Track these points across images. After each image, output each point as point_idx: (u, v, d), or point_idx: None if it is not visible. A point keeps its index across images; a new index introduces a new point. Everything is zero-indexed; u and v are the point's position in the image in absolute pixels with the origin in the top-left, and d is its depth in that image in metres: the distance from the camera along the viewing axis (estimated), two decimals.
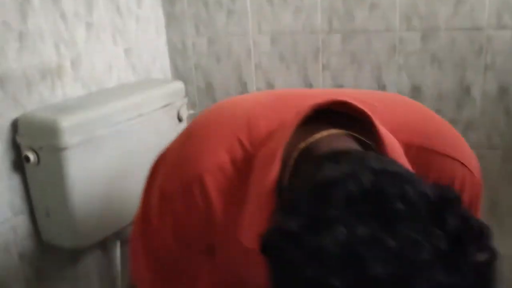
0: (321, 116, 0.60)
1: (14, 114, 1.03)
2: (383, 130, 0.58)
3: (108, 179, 1.11)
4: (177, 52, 1.56)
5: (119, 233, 1.29)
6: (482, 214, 0.69)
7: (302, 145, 0.58)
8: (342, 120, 0.60)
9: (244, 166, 0.61)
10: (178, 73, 1.57)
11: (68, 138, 0.99)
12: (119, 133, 1.12)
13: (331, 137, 0.58)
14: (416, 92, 1.31)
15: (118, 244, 1.35)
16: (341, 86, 1.39)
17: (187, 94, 1.45)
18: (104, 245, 1.34)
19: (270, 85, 1.48)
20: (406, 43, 1.28)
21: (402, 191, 0.41)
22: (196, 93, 1.58)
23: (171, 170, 0.67)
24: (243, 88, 1.51)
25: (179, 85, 1.37)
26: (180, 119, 1.36)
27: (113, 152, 1.11)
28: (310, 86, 1.43)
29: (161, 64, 1.53)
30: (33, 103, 1.08)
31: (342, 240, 0.39)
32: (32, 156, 1.01)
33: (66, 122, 0.99)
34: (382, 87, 1.34)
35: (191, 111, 1.42)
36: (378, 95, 0.82)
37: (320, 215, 0.42)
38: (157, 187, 0.67)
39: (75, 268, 1.25)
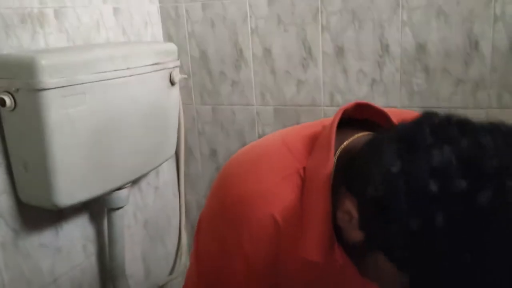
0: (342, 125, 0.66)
1: None
2: None
3: (92, 133, 1.03)
4: (170, 19, 1.50)
5: (106, 199, 1.20)
6: None
7: (344, 144, 0.63)
8: (360, 125, 0.68)
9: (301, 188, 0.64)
10: (171, 41, 1.50)
11: (48, 78, 0.91)
12: (105, 85, 1.04)
13: (365, 136, 0.63)
14: (421, 50, 1.24)
15: (105, 211, 1.26)
16: (341, 47, 1.32)
17: (180, 59, 1.38)
18: (90, 213, 1.26)
19: (267, 50, 1.41)
20: None
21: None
22: (190, 62, 1.51)
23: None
24: (239, 55, 1.44)
25: (171, 47, 1.30)
26: (172, 83, 1.29)
27: (98, 103, 1.03)
28: (309, 49, 1.36)
29: (153, 32, 1.46)
30: (11, 47, 1.00)
31: (452, 152, 0.46)
32: (8, 99, 0.93)
33: (45, 61, 0.91)
34: (385, 47, 1.27)
35: (184, 76, 1.35)
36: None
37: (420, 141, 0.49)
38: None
39: (57, 236, 1.15)
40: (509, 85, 1.19)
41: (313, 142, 0.67)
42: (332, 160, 0.62)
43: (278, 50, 1.39)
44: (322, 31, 1.32)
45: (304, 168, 0.64)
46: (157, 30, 1.49)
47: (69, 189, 1.01)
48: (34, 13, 1.05)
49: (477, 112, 1.21)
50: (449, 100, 1.24)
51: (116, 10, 1.30)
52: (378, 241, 0.52)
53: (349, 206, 0.55)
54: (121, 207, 1.23)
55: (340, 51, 1.32)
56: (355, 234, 0.55)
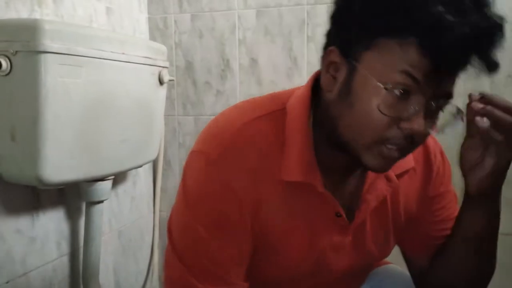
0: None
1: None
2: None
3: (84, 109, 1.01)
4: (157, 29, 1.53)
5: (86, 191, 1.15)
6: None
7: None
8: None
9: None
10: None
11: (49, 41, 0.90)
12: (101, 63, 1.04)
13: None
14: None
15: (84, 206, 1.20)
16: None
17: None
18: (68, 207, 1.19)
19: (254, 61, 1.45)
20: None
21: None
22: (175, 73, 1.53)
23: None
24: (225, 65, 1.48)
25: (162, 47, 1.32)
26: (161, 82, 1.30)
27: (93, 80, 1.02)
28: (295, 60, 1.41)
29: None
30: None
31: None
32: (4, 62, 0.90)
33: (48, 25, 0.91)
34: None
35: (172, 78, 1.36)
36: None
37: None
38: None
39: (33, 226, 1.08)
40: None
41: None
42: (308, 93, 0.70)
43: (264, 61, 1.44)
44: (308, 42, 1.39)
45: (285, 108, 0.71)
46: (144, 38, 1.52)
47: (56, 163, 0.97)
48: None
49: None
50: None
51: (108, 10, 1.32)
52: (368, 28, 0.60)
53: (330, 58, 0.65)
54: (101, 201, 1.18)
55: None
56: (343, 68, 0.64)
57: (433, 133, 0.64)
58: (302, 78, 1.41)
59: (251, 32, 1.44)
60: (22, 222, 1.05)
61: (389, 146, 0.62)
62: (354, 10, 0.61)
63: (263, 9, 1.42)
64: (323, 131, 0.69)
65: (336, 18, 0.65)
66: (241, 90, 1.47)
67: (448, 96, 0.62)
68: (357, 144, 0.64)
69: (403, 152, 0.65)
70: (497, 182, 0.69)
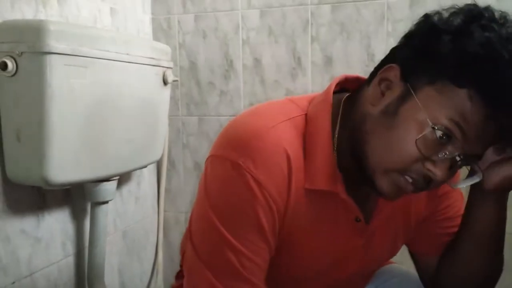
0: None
1: None
2: None
3: (90, 110, 1.01)
4: (161, 30, 1.53)
5: (91, 191, 1.16)
6: None
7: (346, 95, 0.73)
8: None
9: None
10: None
11: (54, 42, 0.91)
12: (106, 64, 1.04)
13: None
14: None
15: (89, 206, 1.20)
16: (330, 58, 1.38)
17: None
18: (73, 207, 1.20)
19: (258, 61, 1.45)
20: (395, 9, 1.31)
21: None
22: (179, 73, 1.53)
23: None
24: (229, 65, 1.48)
25: (166, 48, 1.32)
26: (165, 82, 1.30)
27: (98, 81, 1.02)
28: (299, 59, 1.41)
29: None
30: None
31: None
32: (10, 63, 0.90)
33: (53, 26, 0.91)
34: (371, 56, 1.35)
35: (176, 78, 1.36)
36: None
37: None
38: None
39: (38, 226, 1.08)
40: None
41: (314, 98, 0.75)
42: (330, 101, 0.70)
43: (268, 60, 1.44)
44: (312, 42, 1.39)
45: (306, 114, 0.71)
46: (148, 39, 1.52)
47: (61, 164, 0.97)
48: None
49: None
50: None
51: (112, 11, 1.33)
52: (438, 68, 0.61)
53: (387, 74, 0.65)
54: (106, 202, 1.19)
55: (328, 61, 1.38)
56: (396, 89, 0.64)
57: (450, 184, 0.68)
58: (306, 78, 1.41)
59: (255, 32, 1.44)
60: (28, 222, 1.06)
61: (407, 178, 0.64)
62: (440, 48, 0.60)
63: (267, 9, 1.42)
64: (346, 137, 0.69)
65: (414, 42, 0.65)
66: (245, 90, 1.47)
67: (479, 157, 0.65)
68: (378, 165, 0.65)
69: (417, 188, 0.65)
70: None
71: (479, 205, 0.75)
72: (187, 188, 1.58)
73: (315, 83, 1.40)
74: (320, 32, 1.38)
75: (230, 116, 1.49)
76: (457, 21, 0.61)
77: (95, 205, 1.18)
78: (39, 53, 0.90)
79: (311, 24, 1.38)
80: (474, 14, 0.61)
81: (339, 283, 0.80)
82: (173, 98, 1.54)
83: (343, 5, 1.35)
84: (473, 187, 0.74)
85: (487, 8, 0.62)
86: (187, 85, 1.53)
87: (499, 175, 0.68)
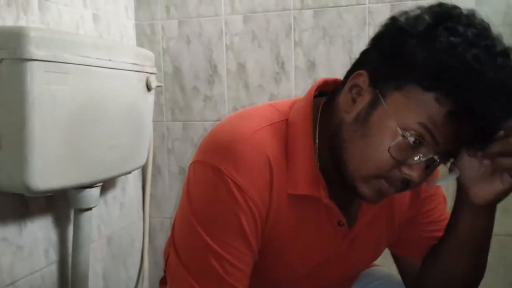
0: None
1: None
2: None
3: (72, 116, 1.01)
4: (144, 35, 1.53)
5: (75, 198, 1.15)
6: None
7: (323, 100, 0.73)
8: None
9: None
10: None
11: (35, 48, 0.90)
12: (88, 71, 1.04)
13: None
14: None
15: (72, 213, 1.20)
16: (313, 62, 1.39)
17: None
18: (56, 214, 1.19)
19: (241, 66, 1.46)
20: (376, 14, 1.33)
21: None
22: (163, 79, 1.53)
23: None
24: (213, 71, 1.49)
25: (149, 54, 1.32)
26: (149, 88, 1.30)
27: (80, 87, 1.02)
28: (282, 64, 1.42)
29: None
30: None
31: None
32: None
33: (34, 32, 0.91)
34: (354, 60, 1.35)
35: (160, 84, 1.36)
36: None
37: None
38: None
39: (20, 234, 1.08)
40: None
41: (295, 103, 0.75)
42: (311, 105, 0.71)
43: (252, 65, 1.45)
44: (295, 47, 1.40)
45: (287, 120, 0.72)
46: (132, 44, 1.52)
47: (44, 171, 0.96)
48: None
49: None
50: None
51: (95, 17, 1.32)
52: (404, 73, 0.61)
53: (356, 81, 0.65)
54: (89, 209, 1.18)
55: (311, 66, 1.39)
56: (366, 95, 0.64)
57: (427, 183, 0.69)
58: (289, 83, 1.42)
59: (238, 37, 1.45)
60: (10, 230, 1.05)
61: (386, 182, 0.65)
62: (406, 52, 0.60)
63: (250, 15, 1.43)
64: (326, 142, 0.70)
65: (382, 47, 0.65)
66: (229, 95, 1.48)
67: (454, 155, 0.66)
68: (357, 173, 0.65)
69: (397, 190, 0.67)
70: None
71: (468, 217, 0.74)
72: (172, 193, 1.58)
73: (299, 88, 1.41)
74: (303, 37, 1.39)
75: (214, 121, 1.50)
76: (424, 23, 0.61)
77: (78, 212, 1.17)
78: (20, 60, 0.90)
79: (294, 29, 1.40)
80: (441, 15, 0.61)
81: (323, 286, 0.81)
82: (157, 104, 1.54)
83: (325, 10, 1.36)
84: (461, 200, 0.74)
85: (455, 8, 0.62)
86: (172, 90, 1.53)
87: (490, 191, 0.69)
